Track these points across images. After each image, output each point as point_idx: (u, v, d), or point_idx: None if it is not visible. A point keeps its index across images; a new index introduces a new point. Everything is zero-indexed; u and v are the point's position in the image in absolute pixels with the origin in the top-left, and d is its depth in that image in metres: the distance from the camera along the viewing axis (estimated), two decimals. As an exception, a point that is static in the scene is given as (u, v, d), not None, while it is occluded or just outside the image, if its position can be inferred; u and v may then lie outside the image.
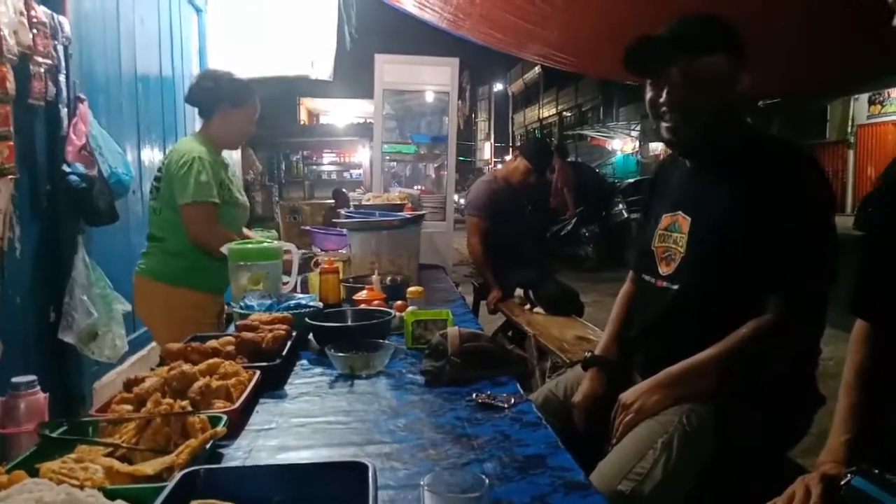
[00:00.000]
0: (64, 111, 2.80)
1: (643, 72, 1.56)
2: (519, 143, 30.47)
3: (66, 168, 2.78)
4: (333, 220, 3.74)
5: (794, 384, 1.54)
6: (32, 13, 2.47)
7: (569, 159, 10.31)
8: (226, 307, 2.70)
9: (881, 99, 16.69)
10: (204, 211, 2.44)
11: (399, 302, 2.22)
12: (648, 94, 1.56)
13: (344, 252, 3.03)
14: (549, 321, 3.53)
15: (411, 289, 2.30)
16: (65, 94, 2.78)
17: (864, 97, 16.80)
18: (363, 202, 3.72)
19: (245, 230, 2.88)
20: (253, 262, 2.21)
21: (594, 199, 9.58)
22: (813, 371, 1.57)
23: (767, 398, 1.47)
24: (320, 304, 2.19)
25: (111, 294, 2.98)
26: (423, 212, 3.45)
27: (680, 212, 1.61)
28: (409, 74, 4.68)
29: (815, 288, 1.43)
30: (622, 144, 24.18)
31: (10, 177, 2.36)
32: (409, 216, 2.99)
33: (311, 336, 1.97)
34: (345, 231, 3.01)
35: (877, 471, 0.99)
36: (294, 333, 1.81)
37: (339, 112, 13.88)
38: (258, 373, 1.49)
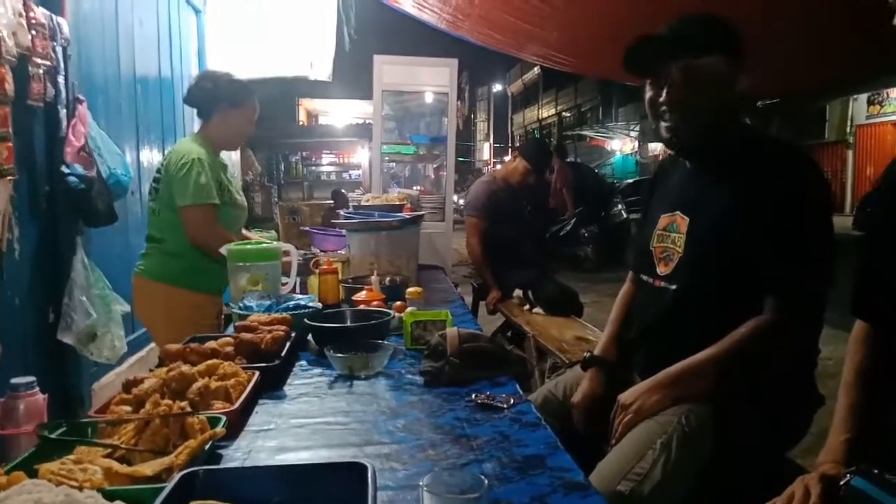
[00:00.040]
0: (63, 112, 2.80)
1: (643, 71, 1.57)
2: (518, 144, 30.56)
3: (64, 169, 2.77)
4: (332, 221, 3.73)
5: (794, 384, 1.54)
6: (31, 14, 2.47)
7: (568, 160, 10.32)
8: (224, 308, 2.70)
9: (880, 99, 16.71)
10: (203, 212, 2.44)
11: (398, 302, 2.22)
12: (648, 94, 1.56)
13: (343, 253, 3.03)
14: (548, 321, 3.53)
15: (410, 289, 2.30)
16: (63, 95, 2.78)
17: (863, 97, 16.82)
18: (362, 203, 3.72)
19: (244, 231, 2.88)
20: (252, 263, 2.21)
21: (593, 199, 9.58)
22: (812, 371, 1.57)
23: (767, 398, 1.47)
24: (319, 305, 2.19)
25: (110, 295, 2.97)
26: (422, 212, 3.45)
27: (678, 212, 1.61)
28: (408, 75, 4.69)
29: (814, 288, 1.44)
30: (621, 145, 24.20)
31: (8, 178, 2.36)
32: (408, 217, 2.99)
33: (310, 337, 1.97)
34: (344, 232, 3.01)
35: (876, 471, 0.99)
36: (293, 334, 1.81)
37: (338, 113, 13.88)
38: (257, 374, 1.48)
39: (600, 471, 1.37)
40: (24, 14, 2.40)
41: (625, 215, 9.63)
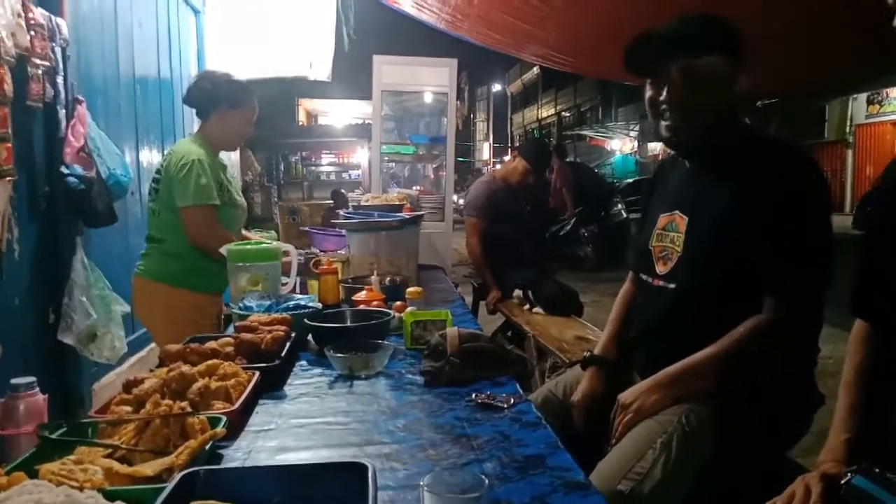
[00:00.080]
0: (62, 113, 2.80)
1: (643, 71, 1.57)
2: (518, 144, 30.56)
3: (64, 170, 2.77)
4: (332, 221, 3.73)
5: (794, 383, 1.54)
6: (30, 15, 2.47)
7: (567, 159, 10.33)
8: (224, 308, 2.70)
9: (879, 99, 16.71)
10: (204, 213, 2.45)
11: (398, 302, 2.22)
12: (648, 93, 1.56)
13: (343, 253, 3.03)
14: (548, 321, 3.53)
15: (410, 289, 2.30)
16: (63, 95, 2.78)
17: (863, 97, 16.82)
18: (362, 203, 3.72)
19: (244, 231, 2.88)
20: (252, 263, 2.21)
21: (593, 199, 9.59)
22: (812, 370, 1.57)
23: (767, 398, 1.48)
24: (319, 305, 2.19)
25: (110, 295, 2.98)
26: (421, 212, 3.45)
27: (677, 211, 1.61)
28: (407, 75, 4.69)
29: (814, 288, 1.44)
30: (621, 144, 24.18)
31: (8, 178, 2.36)
32: (407, 217, 2.99)
33: (310, 337, 1.97)
34: (344, 232, 3.01)
35: (877, 469, 0.98)
36: (293, 334, 1.81)
37: (338, 113, 13.87)
38: (257, 374, 1.48)
39: (600, 470, 1.37)
40: (22, 15, 2.40)
41: (624, 215, 9.63)
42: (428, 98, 4.98)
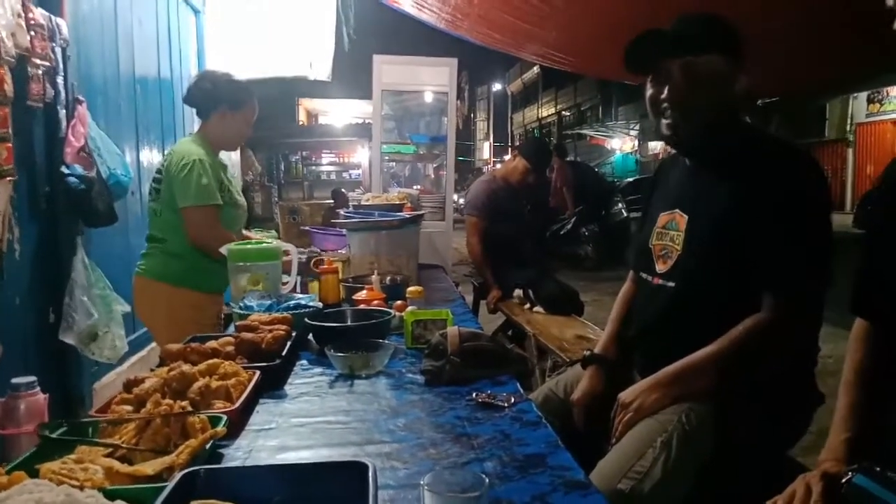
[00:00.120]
0: (62, 113, 2.80)
1: (643, 69, 1.57)
2: (518, 143, 30.54)
3: (64, 169, 2.78)
4: (333, 221, 3.73)
5: (793, 383, 1.54)
6: (30, 15, 2.47)
7: (568, 159, 10.32)
8: (224, 307, 2.70)
9: (880, 97, 16.71)
10: (206, 213, 2.45)
11: (398, 302, 2.22)
12: (649, 92, 1.56)
13: (343, 252, 3.03)
14: (548, 320, 3.53)
15: (411, 288, 2.30)
16: (63, 95, 2.78)
17: (863, 96, 16.82)
18: (362, 202, 3.72)
19: (244, 231, 2.88)
20: (252, 263, 2.21)
21: (593, 198, 9.58)
22: (812, 369, 1.57)
23: (767, 397, 1.48)
24: (320, 305, 2.19)
25: (111, 295, 2.98)
26: (422, 212, 3.45)
27: (677, 210, 1.62)
28: (407, 75, 4.69)
29: (813, 287, 1.44)
30: (621, 144, 24.19)
31: (8, 178, 2.36)
32: (408, 216, 2.99)
33: (310, 336, 1.97)
34: (344, 231, 3.01)
35: (878, 468, 0.98)
36: (294, 334, 1.81)
37: (338, 112, 13.88)
38: (258, 373, 1.48)
39: (601, 469, 1.37)
40: (22, 15, 2.40)
41: (625, 214, 9.63)
42: (428, 97, 4.98)
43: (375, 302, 2.21)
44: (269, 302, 2.06)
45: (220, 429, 1.14)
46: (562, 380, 1.85)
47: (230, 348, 1.67)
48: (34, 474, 0.92)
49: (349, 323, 1.99)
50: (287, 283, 2.42)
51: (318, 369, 1.73)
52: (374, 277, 2.42)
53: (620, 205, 9.80)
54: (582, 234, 9.34)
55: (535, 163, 4.06)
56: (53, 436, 1.11)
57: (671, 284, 1.58)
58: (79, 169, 2.81)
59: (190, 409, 1.22)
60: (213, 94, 2.57)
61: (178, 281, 2.50)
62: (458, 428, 1.30)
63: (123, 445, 1.10)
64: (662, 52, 1.51)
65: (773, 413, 1.49)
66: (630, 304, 1.85)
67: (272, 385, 1.56)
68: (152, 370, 1.49)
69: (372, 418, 1.37)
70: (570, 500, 1.01)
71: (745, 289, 1.45)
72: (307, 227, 3.94)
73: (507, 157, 23.33)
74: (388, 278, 2.53)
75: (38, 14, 2.54)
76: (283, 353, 1.67)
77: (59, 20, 2.72)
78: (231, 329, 2.09)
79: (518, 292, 3.95)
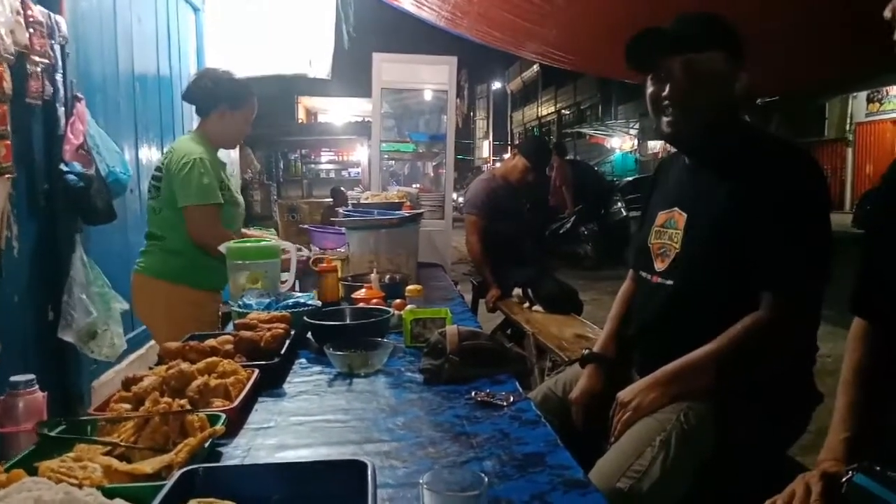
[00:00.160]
0: (61, 110, 2.80)
1: (644, 67, 1.57)
2: (517, 142, 30.51)
3: (63, 167, 2.77)
4: (332, 219, 3.73)
5: (792, 382, 1.54)
6: (29, 12, 2.46)
7: (567, 157, 10.30)
8: (223, 306, 2.70)
9: (879, 97, 16.72)
10: (207, 212, 2.45)
11: (398, 300, 2.22)
12: (650, 90, 1.56)
13: (342, 251, 3.03)
14: (547, 319, 3.53)
15: (410, 287, 2.30)
16: (62, 93, 2.78)
17: (863, 95, 16.84)
18: (361, 201, 3.72)
19: (243, 230, 2.88)
20: (251, 261, 2.21)
21: (593, 197, 9.57)
22: (811, 368, 1.57)
23: (766, 396, 1.48)
24: (319, 303, 2.19)
25: (109, 293, 2.98)
26: (421, 210, 3.45)
27: (676, 208, 1.62)
28: (407, 73, 4.68)
29: (812, 286, 1.44)
30: (621, 142, 24.21)
31: (7, 176, 2.36)
32: (407, 215, 2.99)
33: (309, 335, 1.97)
34: (343, 230, 3.01)
35: (878, 467, 0.98)
36: (292, 332, 1.81)
37: (338, 111, 13.87)
38: (257, 371, 1.48)
39: (600, 468, 1.37)
40: (21, 12, 2.40)
41: (624, 213, 9.63)
42: (428, 96, 4.98)
43: (374, 300, 2.21)
44: (267, 300, 2.06)
45: (219, 427, 1.14)
46: (561, 379, 1.85)
47: (229, 347, 1.66)
48: (33, 472, 0.92)
49: (348, 321, 1.99)
50: (286, 281, 2.42)
51: (317, 368, 1.73)
52: (374, 276, 2.42)
53: (620, 204, 9.80)
54: (581, 233, 9.34)
55: (535, 161, 4.06)
56: (52, 434, 1.11)
57: (670, 283, 1.58)
58: (78, 166, 2.81)
59: (189, 407, 1.21)
60: (213, 93, 2.57)
61: (177, 278, 2.50)
62: (457, 427, 1.30)
63: (122, 444, 1.10)
64: (663, 50, 1.51)
65: (772, 412, 1.49)
66: (629, 302, 1.85)
67: (271, 383, 1.56)
68: (151, 368, 1.49)
69: (371, 417, 1.37)
70: (569, 499, 1.01)
71: (744, 288, 1.45)
72: (306, 226, 3.94)
73: (506, 156, 23.31)
74: (388, 277, 2.53)
75: (37, 11, 2.53)
76: (282, 351, 1.67)
77: (57, 17, 2.72)
78: (230, 327, 2.09)
79: (517, 291, 3.95)
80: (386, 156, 4.95)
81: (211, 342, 1.65)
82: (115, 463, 0.99)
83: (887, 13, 1.06)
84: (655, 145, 20.46)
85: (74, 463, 0.96)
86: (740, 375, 1.46)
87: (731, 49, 1.51)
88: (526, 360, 2.68)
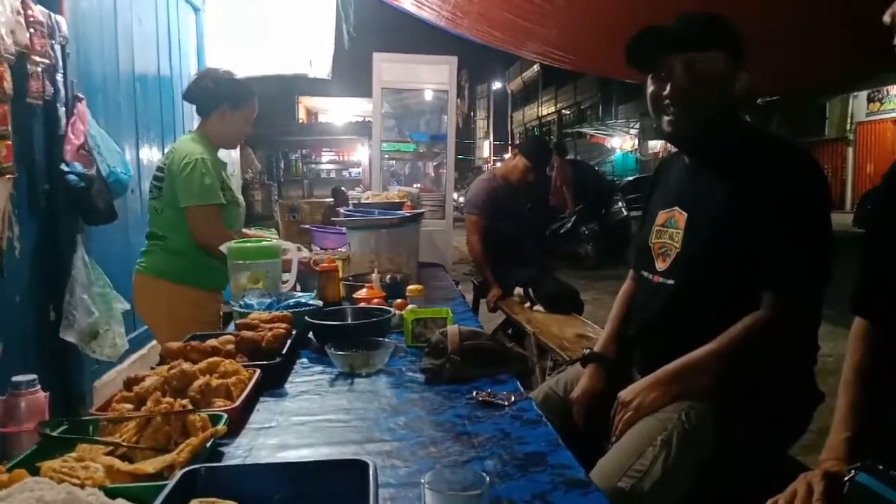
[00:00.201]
0: (62, 110, 2.80)
1: (644, 66, 1.57)
2: (518, 142, 30.52)
3: (64, 167, 2.78)
4: (332, 219, 3.73)
5: (793, 381, 1.54)
6: (29, 12, 2.46)
7: (568, 157, 10.30)
8: (224, 306, 2.70)
9: (880, 96, 16.72)
10: (209, 213, 2.45)
11: (399, 300, 2.22)
12: (650, 89, 1.56)
13: (343, 250, 3.03)
14: (548, 319, 3.53)
15: (411, 287, 2.30)
16: (63, 93, 2.78)
17: (863, 95, 16.83)
18: (362, 200, 3.72)
19: (245, 230, 2.88)
20: (252, 261, 2.21)
21: (593, 197, 9.57)
22: (812, 368, 1.57)
23: (767, 395, 1.48)
24: (320, 303, 2.19)
25: (111, 293, 2.98)
26: (422, 210, 3.45)
27: (676, 208, 1.62)
28: (407, 73, 4.68)
29: (813, 286, 1.44)
30: (621, 142, 24.20)
31: (8, 176, 2.36)
32: (408, 214, 2.99)
33: (310, 334, 1.97)
34: (344, 229, 3.01)
35: (881, 466, 0.98)
36: (294, 332, 1.81)
37: (338, 110, 13.88)
38: (258, 371, 1.48)
39: (601, 468, 1.37)
40: (22, 12, 2.40)
41: (625, 213, 9.63)
42: (428, 96, 4.97)
43: (375, 300, 2.21)
44: (269, 300, 2.06)
45: (221, 427, 1.14)
46: (562, 378, 1.85)
47: (230, 347, 1.67)
48: (35, 472, 0.92)
49: (349, 321, 1.99)
50: (287, 281, 2.42)
51: (319, 368, 1.73)
52: (374, 276, 2.42)
53: (620, 203, 9.80)
54: (582, 233, 9.34)
55: (535, 161, 4.06)
56: (54, 434, 1.11)
57: (671, 282, 1.58)
58: (78, 167, 2.81)
59: (190, 407, 1.21)
60: (214, 93, 2.57)
61: (179, 278, 2.50)
62: (458, 426, 1.30)
63: (124, 444, 1.10)
64: (664, 49, 1.51)
65: (774, 412, 1.49)
66: (630, 302, 1.85)
67: (272, 383, 1.56)
68: (153, 368, 1.49)
69: (372, 417, 1.37)
70: (571, 499, 1.01)
71: (745, 287, 1.45)
72: (307, 226, 3.94)
73: (507, 156, 23.33)
74: (388, 277, 2.53)
75: (38, 11, 2.54)
76: (284, 351, 1.67)
77: (58, 17, 2.72)
78: (231, 327, 2.09)
79: (518, 291, 3.95)
80: (386, 156, 4.94)
81: (212, 342, 1.66)
82: (117, 463, 0.99)
83: (887, 18, 1.06)
84: (656, 145, 20.46)
85: (76, 463, 0.96)
86: (741, 375, 1.46)
87: (731, 49, 1.51)
88: (527, 359, 2.68)
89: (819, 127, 18.17)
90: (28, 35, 2.44)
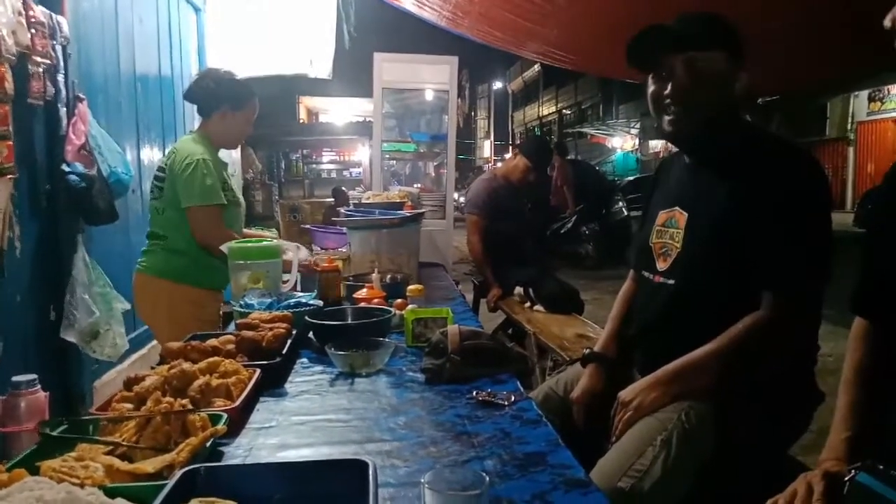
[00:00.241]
0: (63, 111, 2.80)
1: (645, 66, 1.57)
2: (518, 142, 30.52)
3: (65, 167, 2.78)
4: (333, 219, 3.73)
5: (794, 381, 1.54)
6: (31, 13, 2.47)
7: (568, 157, 10.29)
8: (224, 305, 2.70)
9: (881, 96, 16.70)
10: (210, 213, 2.45)
11: (399, 300, 2.22)
12: (651, 88, 1.56)
13: (344, 250, 3.03)
14: (549, 319, 3.53)
15: (411, 287, 2.30)
16: (64, 93, 2.78)
17: (864, 94, 16.82)
18: (363, 200, 3.72)
19: (246, 230, 2.88)
20: (253, 261, 2.21)
21: (594, 196, 9.57)
22: (812, 368, 1.57)
23: (767, 395, 1.48)
24: (320, 303, 2.19)
25: (111, 293, 2.98)
26: (422, 210, 3.45)
27: (677, 207, 1.62)
28: (408, 73, 4.68)
29: (813, 286, 1.44)
30: (622, 142, 24.20)
31: (9, 176, 2.36)
32: (408, 214, 2.99)
33: (311, 334, 1.97)
34: (344, 229, 3.01)
35: (882, 466, 0.98)
36: (294, 332, 1.82)
37: (339, 110, 13.88)
38: (258, 371, 1.49)
39: (601, 468, 1.37)
40: (23, 13, 2.41)
41: (626, 213, 9.62)
42: (429, 96, 4.97)
43: (376, 300, 2.21)
44: (269, 300, 2.06)
45: (221, 427, 1.14)
46: (562, 378, 1.86)
47: (231, 346, 1.67)
48: (35, 472, 0.92)
49: (349, 321, 1.99)
50: (287, 281, 2.42)
51: (319, 367, 1.73)
52: (375, 276, 2.43)
53: (621, 203, 9.79)
54: (582, 233, 9.33)
55: (536, 161, 4.06)
56: (54, 433, 1.11)
57: (671, 282, 1.58)
58: (79, 167, 2.81)
59: (190, 407, 1.22)
60: (215, 94, 2.57)
61: (180, 277, 2.50)
62: (458, 426, 1.30)
63: (124, 443, 1.10)
64: (665, 48, 1.51)
65: (774, 412, 1.49)
66: (630, 302, 1.85)
67: (272, 383, 1.56)
68: (153, 368, 1.49)
69: (372, 416, 1.37)
70: (571, 499, 1.01)
71: (745, 287, 1.45)
72: (308, 226, 3.95)
73: (507, 156, 23.32)
74: (389, 276, 2.53)
75: (39, 12, 2.54)
76: (284, 351, 1.67)
77: (59, 18, 2.72)
78: (231, 327, 2.09)
79: (518, 291, 3.95)
80: (387, 156, 4.94)
81: (213, 342, 1.66)
82: (117, 462, 0.99)
83: (887, 23, 1.06)
84: (656, 145, 20.46)
85: (76, 462, 0.96)
86: (741, 375, 1.46)
87: (732, 49, 1.51)
88: (527, 359, 2.68)
89: (820, 127, 18.16)
90: (29, 35, 2.44)
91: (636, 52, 1.55)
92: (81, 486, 0.87)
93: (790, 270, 1.41)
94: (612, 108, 25.81)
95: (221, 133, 2.63)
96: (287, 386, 1.59)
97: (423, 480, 0.87)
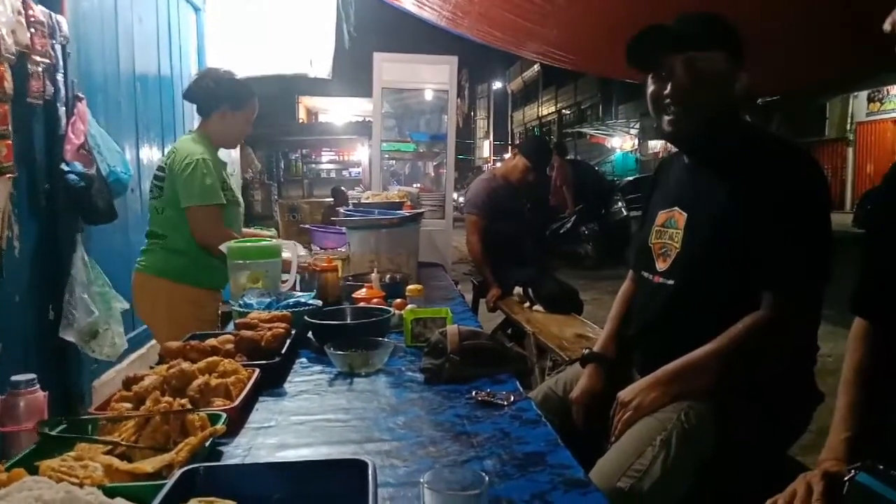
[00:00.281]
0: (62, 110, 2.80)
1: (645, 66, 1.57)
2: (518, 142, 30.51)
3: (64, 167, 2.78)
4: (332, 219, 3.73)
5: (793, 381, 1.54)
6: (30, 12, 2.47)
7: (568, 157, 10.30)
8: (223, 305, 2.70)
9: (880, 96, 16.72)
10: (210, 213, 2.45)
11: (398, 300, 2.22)
12: (651, 88, 1.56)
13: (343, 250, 3.03)
14: (548, 319, 3.53)
15: (410, 287, 2.30)
16: (63, 93, 2.78)
17: (864, 95, 16.83)
18: (362, 200, 3.72)
19: (245, 229, 2.88)
20: (252, 261, 2.21)
21: (593, 197, 9.57)
22: (811, 368, 1.57)
23: (766, 395, 1.48)
24: (319, 303, 2.19)
25: (110, 292, 2.98)
26: (422, 210, 3.45)
27: (676, 208, 1.62)
28: (407, 73, 4.68)
29: (813, 286, 1.44)
30: (621, 142, 24.20)
31: (8, 175, 2.36)
32: (408, 214, 2.99)
33: (310, 334, 1.97)
34: (344, 229, 3.01)
35: (881, 467, 0.98)
36: (293, 331, 1.81)
37: (338, 110, 13.88)
38: (257, 371, 1.48)
39: (600, 468, 1.37)
40: (23, 12, 2.40)
41: (625, 213, 9.63)
42: (428, 95, 4.97)
43: (375, 300, 2.21)
44: (268, 300, 2.06)
45: (220, 426, 1.14)
46: (561, 378, 1.85)
47: (230, 346, 1.66)
48: (34, 471, 0.92)
49: (349, 321, 1.99)
50: (286, 280, 2.42)
51: (318, 367, 1.73)
52: (374, 275, 2.42)
53: (620, 203, 9.80)
54: (582, 233, 9.34)
55: (535, 161, 4.06)
56: (53, 433, 1.11)
57: (671, 282, 1.58)
58: (79, 166, 2.81)
59: (189, 406, 1.22)
60: (215, 93, 2.57)
61: (179, 277, 2.50)
62: (457, 426, 1.30)
63: (123, 443, 1.10)
64: (665, 48, 1.51)
65: (773, 412, 1.49)
66: (629, 302, 1.85)
67: (272, 383, 1.56)
68: (152, 368, 1.49)
69: (371, 416, 1.37)
70: (570, 499, 1.01)
71: (745, 287, 1.45)
72: (307, 225, 3.95)
73: (507, 156, 23.32)
74: (388, 276, 2.53)
75: (39, 11, 2.54)
76: (283, 350, 1.67)
77: (59, 17, 2.72)
78: (230, 327, 2.09)
79: (518, 291, 3.95)
80: (386, 155, 4.94)
81: (212, 341, 1.66)
82: (116, 462, 0.99)
83: (887, 27, 1.06)
84: (656, 145, 20.46)
85: (75, 462, 0.96)
86: (741, 375, 1.46)
87: (731, 49, 1.51)
88: (526, 359, 2.68)
89: (819, 127, 18.17)
90: (29, 35, 2.44)
91: (636, 52, 1.55)
92: (80, 485, 0.87)
93: (790, 270, 1.41)
94: (612, 108, 25.81)
95: (221, 133, 2.63)
96: (286, 386, 1.59)
97: (422, 480, 0.87)
